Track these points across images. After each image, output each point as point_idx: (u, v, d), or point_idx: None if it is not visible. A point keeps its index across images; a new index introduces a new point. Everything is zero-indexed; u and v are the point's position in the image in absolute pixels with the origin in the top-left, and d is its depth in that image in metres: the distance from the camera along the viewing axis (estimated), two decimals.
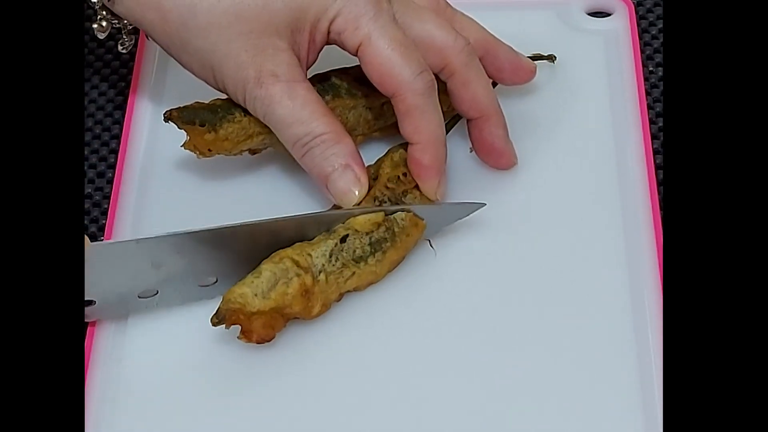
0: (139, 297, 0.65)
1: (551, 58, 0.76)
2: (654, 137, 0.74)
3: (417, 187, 0.68)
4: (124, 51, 0.73)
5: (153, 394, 0.64)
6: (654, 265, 0.68)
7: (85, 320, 0.65)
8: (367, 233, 0.65)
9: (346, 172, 0.66)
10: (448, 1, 0.72)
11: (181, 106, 0.67)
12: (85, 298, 0.64)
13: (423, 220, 0.67)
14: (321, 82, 0.69)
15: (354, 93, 0.69)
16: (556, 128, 0.74)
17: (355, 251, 0.65)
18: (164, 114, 0.67)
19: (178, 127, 0.67)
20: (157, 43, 0.69)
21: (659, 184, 0.72)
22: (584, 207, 0.70)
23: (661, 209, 0.70)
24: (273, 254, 0.64)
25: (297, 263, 0.63)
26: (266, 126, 0.67)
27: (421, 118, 0.66)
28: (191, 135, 0.67)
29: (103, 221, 0.71)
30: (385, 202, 0.67)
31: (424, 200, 0.68)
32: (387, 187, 0.67)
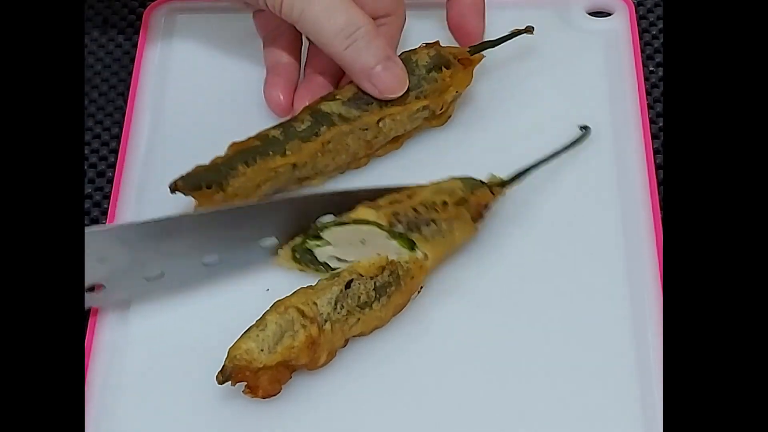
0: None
1: (529, 30, 0.74)
2: (654, 137, 0.74)
3: (448, 219, 0.66)
4: None
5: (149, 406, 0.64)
6: (654, 265, 0.68)
7: None
8: (371, 278, 0.64)
9: (390, 64, 0.68)
10: None
11: (183, 174, 0.66)
12: None
13: (427, 260, 0.65)
14: (313, 115, 0.69)
15: (347, 117, 0.69)
16: (556, 128, 0.74)
17: (360, 297, 0.63)
18: (170, 186, 0.66)
19: (185, 195, 0.66)
20: None
21: (659, 184, 0.72)
22: (584, 207, 0.70)
23: (661, 209, 0.70)
24: (276, 303, 0.62)
25: (302, 313, 0.62)
26: (271, 171, 0.67)
27: None
28: (200, 199, 0.66)
29: (103, 221, 0.71)
30: (400, 223, 0.65)
31: (459, 231, 0.66)
32: (415, 210, 0.65)
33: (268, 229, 0.67)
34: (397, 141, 0.72)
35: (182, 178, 0.66)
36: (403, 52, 0.71)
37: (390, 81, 0.68)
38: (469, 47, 0.72)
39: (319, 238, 0.66)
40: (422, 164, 0.72)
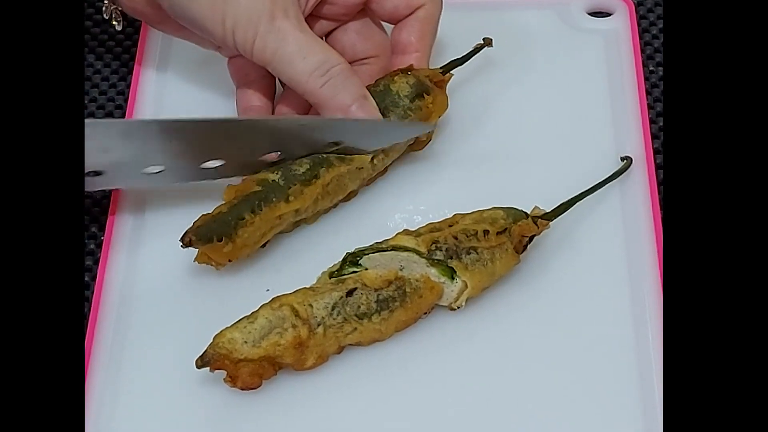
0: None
1: (487, 42, 0.73)
2: (654, 137, 0.75)
3: (490, 248, 0.65)
4: (119, 28, 0.76)
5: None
6: (654, 265, 0.68)
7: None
8: (375, 290, 0.63)
9: (365, 102, 0.67)
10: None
11: (193, 227, 0.65)
12: None
13: (441, 283, 0.65)
14: (311, 157, 0.68)
15: (343, 157, 0.68)
16: (556, 128, 0.74)
17: (359, 307, 0.63)
18: (183, 241, 0.64)
19: (195, 248, 0.65)
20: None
21: (659, 184, 0.72)
22: (584, 207, 0.70)
23: (661, 209, 0.70)
24: (273, 299, 0.62)
25: (296, 312, 0.62)
26: (277, 218, 0.67)
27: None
28: (211, 252, 0.66)
29: (104, 220, 0.71)
30: (440, 251, 0.64)
31: (502, 261, 0.65)
32: (455, 237, 0.65)
33: (267, 144, 0.67)
34: (384, 170, 0.72)
35: (194, 232, 0.65)
36: (378, 81, 0.71)
37: (365, 118, 0.67)
38: (441, 67, 0.72)
39: (357, 264, 0.65)
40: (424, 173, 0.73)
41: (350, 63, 0.70)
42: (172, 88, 0.77)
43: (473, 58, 0.73)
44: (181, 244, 0.64)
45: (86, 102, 0.78)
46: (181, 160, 0.67)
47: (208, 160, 0.68)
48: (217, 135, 0.66)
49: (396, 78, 0.70)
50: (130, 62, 0.79)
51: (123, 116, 0.76)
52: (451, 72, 0.72)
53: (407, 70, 0.70)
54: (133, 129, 0.66)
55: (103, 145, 0.65)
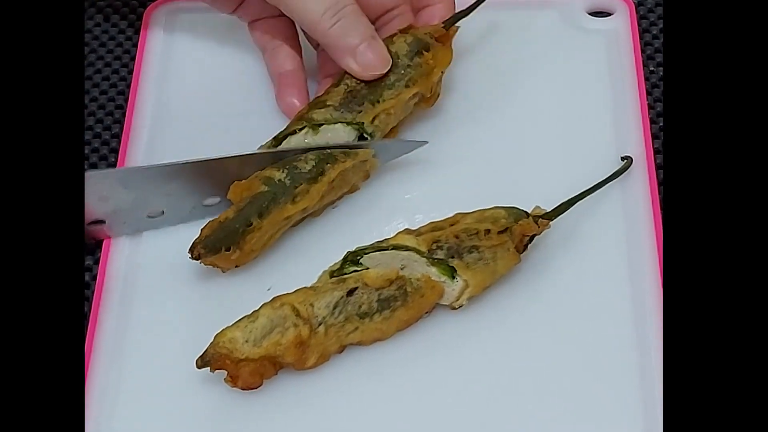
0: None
1: None
2: (654, 137, 0.75)
3: (492, 247, 0.65)
4: None
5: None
6: (654, 265, 0.68)
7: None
8: (377, 289, 0.63)
9: (374, 42, 0.68)
10: None
11: (200, 238, 0.65)
12: None
13: (442, 282, 0.64)
14: (315, 152, 0.68)
15: (348, 151, 0.69)
16: (557, 128, 0.74)
17: (361, 306, 0.63)
18: (193, 254, 0.65)
19: (206, 258, 0.66)
20: None
21: (659, 184, 0.72)
22: (585, 206, 0.70)
23: (661, 209, 0.70)
24: (274, 298, 0.62)
25: (297, 312, 0.62)
26: (284, 220, 0.67)
27: None
28: (218, 260, 0.66)
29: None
30: (441, 250, 0.65)
31: (503, 260, 0.65)
32: (457, 236, 0.65)
33: None
34: (393, 132, 0.72)
35: (202, 244, 0.65)
36: None
37: (374, 59, 0.68)
38: (443, 22, 0.72)
39: (357, 263, 0.65)
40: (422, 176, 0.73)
41: (380, 15, 0.71)
42: (172, 89, 0.77)
43: (472, 59, 0.73)
44: (190, 256, 0.64)
45: (87, 102, 0.78)
46: (182, 199, 0.68)
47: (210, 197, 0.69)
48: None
49: (394, 39, 0.70)
50: (130, 62, 0.80)
51: (123, 116, 0.76)
52: (457, 25, 0.72)
53: (407, 30, 0.71)
54: (131, 176, 0.67)
55: (102, 194, 0.66)
